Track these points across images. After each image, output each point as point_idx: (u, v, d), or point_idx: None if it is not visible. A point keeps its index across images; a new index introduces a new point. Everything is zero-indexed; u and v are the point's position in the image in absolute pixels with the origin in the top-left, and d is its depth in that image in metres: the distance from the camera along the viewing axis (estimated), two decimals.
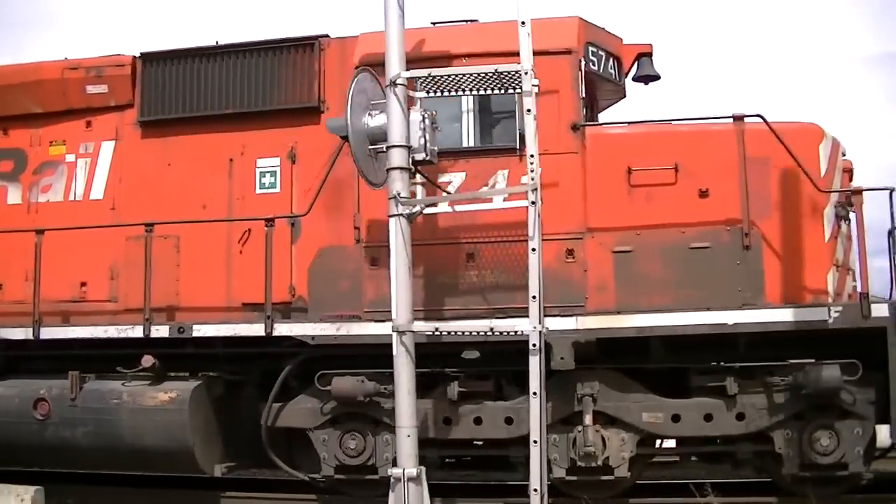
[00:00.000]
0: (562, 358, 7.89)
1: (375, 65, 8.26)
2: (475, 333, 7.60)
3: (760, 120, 8.05)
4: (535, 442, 7.05)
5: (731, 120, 8.19)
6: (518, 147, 8.26)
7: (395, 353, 7.34)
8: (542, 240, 7.51)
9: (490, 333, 7.39)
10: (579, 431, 8.15)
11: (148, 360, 8.88)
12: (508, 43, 7.60)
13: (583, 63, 8.51)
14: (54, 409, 9.00)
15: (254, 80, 9.36)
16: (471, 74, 7.48)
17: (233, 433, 9.24)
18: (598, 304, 8.07)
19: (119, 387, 8.97)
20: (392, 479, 7.22)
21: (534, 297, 7.09)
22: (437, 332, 7.54)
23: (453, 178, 8.45)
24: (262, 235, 8.81)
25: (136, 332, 8.91)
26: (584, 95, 8.45)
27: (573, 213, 8.22)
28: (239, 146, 9.38)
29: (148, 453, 8.82)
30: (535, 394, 7.03)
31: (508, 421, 8.36)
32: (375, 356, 8.31)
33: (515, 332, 7.27)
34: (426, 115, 7.49)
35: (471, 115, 8.50)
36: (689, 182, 8.11)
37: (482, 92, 7.65)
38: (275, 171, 9.29)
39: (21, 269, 9.56)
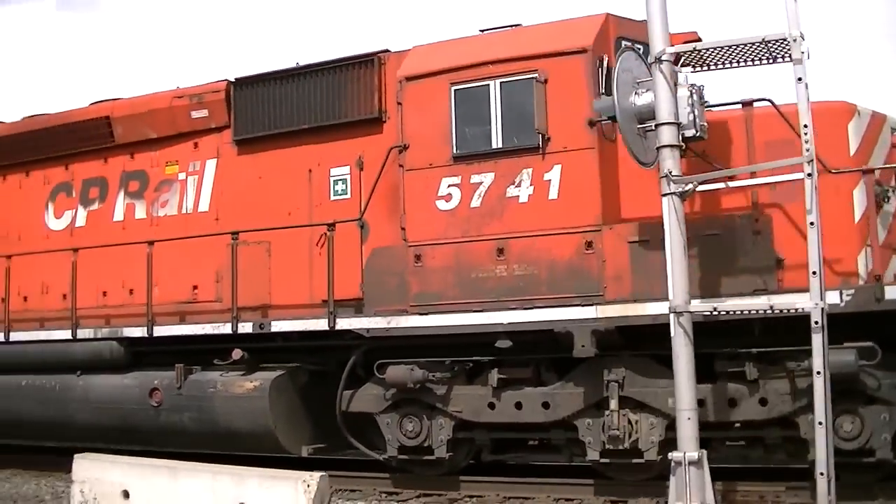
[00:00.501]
0: (583, 346, 8.62)
1: (419, 77, 9.45)
2: (753, 312, 7.91)
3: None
4: (820, 424, 7.14)
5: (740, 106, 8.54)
6: (541, 146, 9.02)
7: (672, 334, 7.53)
8: (562, 233, 8.38)
9: (770, 311, 7.69)
10: (607, 416, 8.83)
11: (237, 354, 10.58)
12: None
13: (604, 59, 9.10)
14: (165, 397, 10.86)
15: (325, 97, 10.83)
16: (737, 46, 7.71)
17: (322, 418, 10.58)
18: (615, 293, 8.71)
19: (216, 377, 10.74)
20: (672, 464, 7.40)
21: (814, 273, 7.27)
22: (715, 312, 7.83)
23: (484, 178, 9.36)
24: (341, 240, 10.15)
25: (226, 328, 10.53)
26: (603, 91, 9.01)
27: (589, 207, 8.86)
28: (316, 157, 10.86)
29: (238, 435, 10.50)
30: (818, 373, 7.16)
31: (545, 406, 9.19)
32: (431, 346, 9.42)
33: (796, 309, 7.45)
34: (693, 91, 7.77)
35: (498, 119, 9.34)
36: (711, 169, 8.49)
37: (748, 64, 7.93)
38: (346, 179, 10.69)
39: (135, 276, 11.47)
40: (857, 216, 8.45)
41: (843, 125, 8.59)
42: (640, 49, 9.65)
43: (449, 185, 9.56)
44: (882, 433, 8.04)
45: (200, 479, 7.79)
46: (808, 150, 7.28)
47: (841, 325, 7.84)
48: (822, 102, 8.81)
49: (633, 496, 9.16)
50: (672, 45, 7.85)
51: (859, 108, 8.77)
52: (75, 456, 8.69)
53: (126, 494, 8.13)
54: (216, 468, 8.11)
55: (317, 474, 7.11)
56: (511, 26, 10.19)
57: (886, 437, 8.04)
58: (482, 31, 10.31)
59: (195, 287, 11.43)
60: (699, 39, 9.99)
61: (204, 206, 11.68)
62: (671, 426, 8.77)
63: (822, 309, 7.25)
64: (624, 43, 9.51)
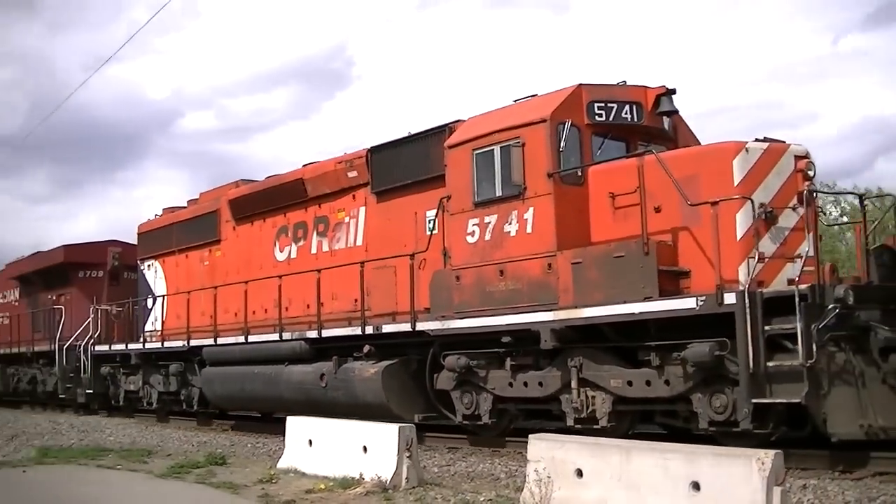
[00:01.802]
0: (545, 340, 11.87)
1: (455, 145, 13.23)
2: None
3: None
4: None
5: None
6: (521, 194, 12.35)
7: None
8: (534, 258, 11.80)
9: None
10: (572, 393, 11.95)
11: (366, 349, 14.84)
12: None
13: (566, 123, 12.17)
14: (329, 380, 15.48)
15: (421, 158, 14.72)
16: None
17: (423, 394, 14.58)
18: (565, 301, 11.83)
19: (356, 365, 15.15)
20: None
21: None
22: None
23: (491, 219, 12.82)
24: (431, 264, 14.08)
25: (357, 330, 14.90)
26: (563, 149, 12.10)
27: (551, 235, 12.02)
28: (418, 204, 14.82)
29: (369, 406, 14.79)
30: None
31: (541, 384, 12.49)
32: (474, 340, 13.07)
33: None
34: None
35: (499, 174, 12.76)
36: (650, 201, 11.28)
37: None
38: (433, 219, 14.45)
39: (328, 293, 16.12)
40: (740, 235, 10.74)
41: (728, 161, 10.89)
42: (612, 107, 12.62)
43: (472, 225, 13.14)
44: (743, 408, 10.32)
45: (652, 458, 7.93)
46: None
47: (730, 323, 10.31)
48: (712, 144, 11.28)
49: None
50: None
51: (748, 145, 10.99)
52: (530, 437, 9.24)
53: (579, 473, 8.46)
54: (668, 447, 8.32)
55: (771, 452, 7.02)
56: (530, 96, 13.45)
57: (746, 412, 10.30)
58: (515, 100, 13.68)
59: (356, 300, 15.88)
60: (668, 92, 12.72)
61: (359, 241, 16.16)
62: (617, 401, 11.69)
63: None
64: (597, 108, 12.53)
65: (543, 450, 8.93)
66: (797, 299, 9.70)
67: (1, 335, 29.48)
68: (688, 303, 10.62)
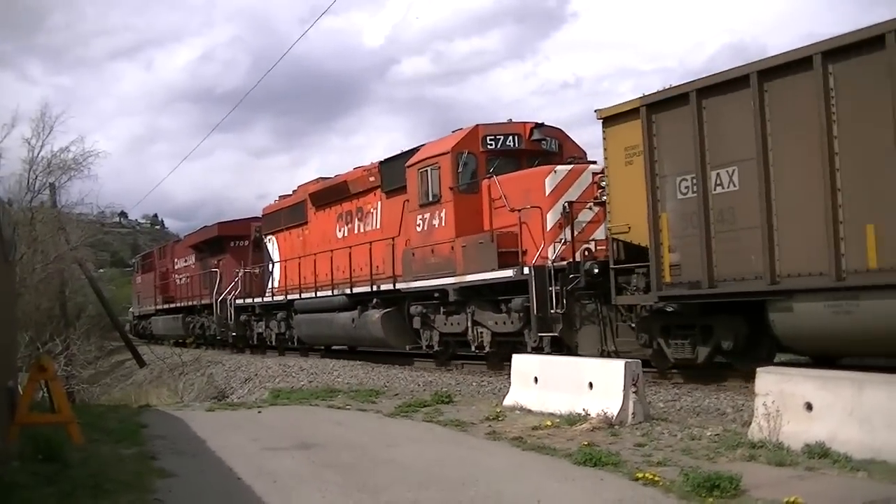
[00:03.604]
0: (451, 297, 18.64)
1: (410, 166, 20.07)
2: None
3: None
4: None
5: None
6: (439, 200, 19.05)
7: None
8: (446, 242, 18.62)
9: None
10: (468, 329, 18.66)
11: (374, 301, 22.02)
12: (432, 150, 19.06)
13: (464, 153, 18.71)
14: (357, 322, 22.77)
15: (399, 171, 21.50)
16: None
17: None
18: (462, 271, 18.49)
19: (369, 312, 22.35)
20: None
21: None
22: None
23: (427, 215, 19.59)
24: (402, 244, 21.09)
25: (368, 288, 22.07)
26: (461, 170, 18.66)
27: (453, 227, 18.68)
28: (399, 202, 21.64)
29: (375, 339, 22.11)
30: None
31: (459, 324, 19.22)
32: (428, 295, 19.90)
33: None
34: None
35: (429, 186, 19.49)
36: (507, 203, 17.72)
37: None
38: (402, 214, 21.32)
39: (359, 262, 23.35)
40: (549, 227, 16.97)
41: (541, 180, 17.14)
42: (500, 138, 19.02)
43: (419, 219, 19.94)
44: (532, 339, 16.63)
45: (886, 391, 7.93)
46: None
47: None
48: (534, 169, 17.53)
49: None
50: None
51: (557, 168, 17.17)
52: (758, 370, 9.31)
53: (809, 406, 8.49)
54: None
55: None
56: (461, 128, 19.94)
57: (535, 341, 16.57)
58: (453, 131, 20.23)
59: (379, 267, 22.92)
60: (539, 125, 18.95)
61: (378, 225, 23.19)
62: (494, 335, 18.26)
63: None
64: (489, 140, 18.94)
65: (771, 383, 8.96)
66: (552, 271, 16.03)
67: (182, 292, 39.02)
68: (508, 273, 17.05)
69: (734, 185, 12.66)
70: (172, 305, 40.64)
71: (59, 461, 9.00)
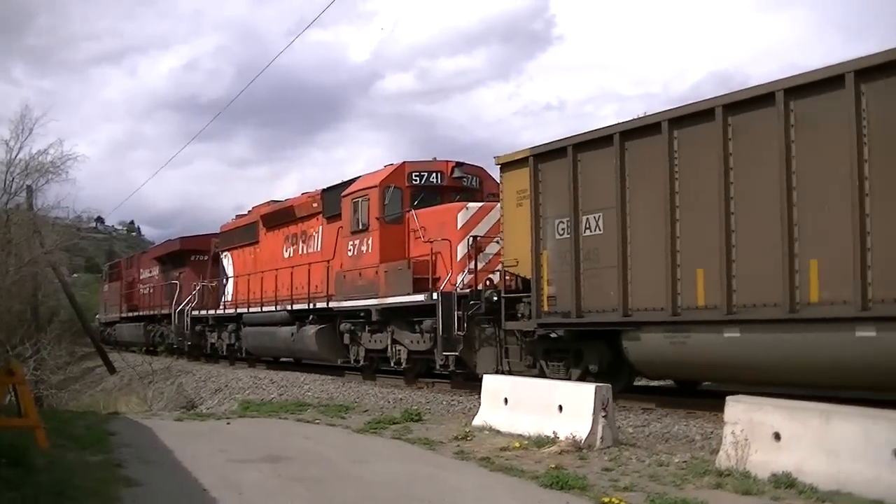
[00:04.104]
0: (374, 316, 20.40)
1: (344, 196, 21.83)
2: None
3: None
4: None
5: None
6: (367, 228, 20.84)
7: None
8: (372, 267, 20.38)
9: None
10: (389, 347, 20.43)
11: (311, 318, 23.74)
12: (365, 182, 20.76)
13: (388, 190, 20.56)
14: (295, 336, 24.49)
15: (336, 200, 23.28)
16: None
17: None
18: (384, 293, 20.28)
19: (307, 327, 24.03)
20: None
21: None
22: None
23: (358, 241, 21.38)
24: (336, 266, 22.86)
25: (306, 305, 23.81)
26: (388, 203, 20.47)
27: (378, 254, 20.48)
28: (334, 228, 23.42)
29: (311, 353, 23.85)
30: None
31: (381, 342, 20.96)
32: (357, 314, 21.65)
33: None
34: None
35: (360, 215, 21.29)
36: (425, 234, 19.51)
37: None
38: (336, 239, 23.13)
39: (300, 281, 25.13)
40: (459, 258, 18.78)
41: (454, 214, 18.96)
42: (424, 174, 20.85)
43: (350, 244, 21.73)
44: (439, 358, 18.39)
45: (853, 423, 7.93)
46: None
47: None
48: (449, 204, 19.35)
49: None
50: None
51: (468, 205, 18.98)
52: (728, 399, 9.35)
53: (777, 436, 8.51)
54: (871, 412, 8.15)
55: None
56: (391, 164, 21.76)
57: (441, 361, 18.34)
58: (385, 165, 22.04)
59: (318, 286, 24.67)
60: (459, 164, 20.77)
61: (318, 248, 24.95)
62: (410, 353, 20.02)
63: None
64: (414, 176, 20.76)
65: (741, 412, 9.01)
66: (458, 297, 17.83)
67: (146, 301, 40.64)
68: (420, 297, 18.82)
69: (599, 230, 14.52)
70: (136, 314, 42.24)
71: (24, 466, 8.99)
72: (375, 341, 21.24)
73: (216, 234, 35.18)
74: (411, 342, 19.81)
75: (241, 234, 30.66)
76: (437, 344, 18.35)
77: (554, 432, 11.18)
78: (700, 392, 15.10)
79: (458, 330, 17.76)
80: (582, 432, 10.90)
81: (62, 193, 53.04)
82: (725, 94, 12.74)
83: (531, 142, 19.37)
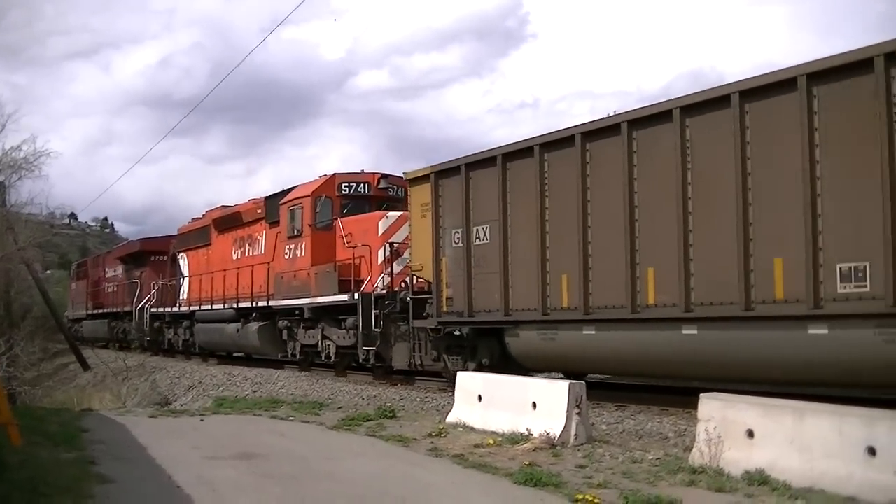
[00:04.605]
0: (306, 315, 22.26)
1: (282, 203, 23.69)
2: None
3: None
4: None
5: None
6: (300, 234, 22.70)
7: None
8: (306, 270, 22.24)
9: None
10: (320, 342, 22.30)
11: (254, 315, 25.58)
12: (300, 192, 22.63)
13: (320, 199, 22.43)
14: (240, 332, 26.31)
15: (276, 207, 25.10)
16: None
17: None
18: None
19: (251, 324, 25.89)
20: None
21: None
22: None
23: (293, 245, 23.24)
24: (276, 267, 24.69)
25: (249, 304, 25.65)
26: (319, 211, 22.33)
27: (310, 258, 22.34)
28: (276, 233, 25.26)
29: (254, 348, 25.75)
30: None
31: (314, 337, 22.82)
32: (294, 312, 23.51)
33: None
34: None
35: (296, 221, 23.14)
36: (350, 240, 21.39)
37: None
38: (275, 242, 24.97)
39: (245, 282, 26.93)
40: (379, 261, 20.65)
41: (376, 222, 20.85)
42: (353, 185, 22.72)
43: (287, 248, 23.58)
44: (360, 354, 20.27)
45: (827, 420, 7.92)
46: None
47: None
48: (370, 213, 21.24)
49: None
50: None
51: (388, 214, 20.85)
52: (701, 396, 9.35)
53: (750, 434, 8.55)
54: (844, 410, 8.18)
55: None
56: (324, 175, 23.59)
57: (362, 355, 20.24)
58: (320, 175, 23.87)
59: (261, 286, 26.49)
60: (384, 175, 22.68)
61: (262, 251, 26.76)
62: (338, 348, 21.90)
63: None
64: (344, 186, 22.63)
65: (714, 409, 9.00)
66: (376, 298, 19.72)
67: (110, 299, 42.31)
68: (344, 297, 20.71)
69: (487, 239, 16.42)
70: (101, 311, 43.88)
71: None
72: (309, 337, 23.11)
73: (175, 235, 36.95)
74: (338, 338, 21.67)
75: (196, 236, 32.42)
76: (359, 339, 20.24)
77: (528, 429, 11.20)
78: (674, 389, 15.75)
79: (376, 327, 19.66)
80: (556, 429, 10.92)
81: (35, 190, 53.74)
82: (583, 124, 14.68)
83: (504, 139, 20.93)
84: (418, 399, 17.67)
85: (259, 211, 26.79)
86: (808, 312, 11.31)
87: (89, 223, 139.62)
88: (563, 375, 16.58)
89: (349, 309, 20.72)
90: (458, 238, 17.07)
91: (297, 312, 23.24)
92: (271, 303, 24.50)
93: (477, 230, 16.66)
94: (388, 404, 15.93)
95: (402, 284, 19.92)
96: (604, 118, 14.60)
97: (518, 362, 16.48)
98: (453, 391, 13.75)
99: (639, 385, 16.90)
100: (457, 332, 17.78)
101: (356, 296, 20.18)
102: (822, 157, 11.27)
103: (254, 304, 25.64)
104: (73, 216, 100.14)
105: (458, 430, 12.35)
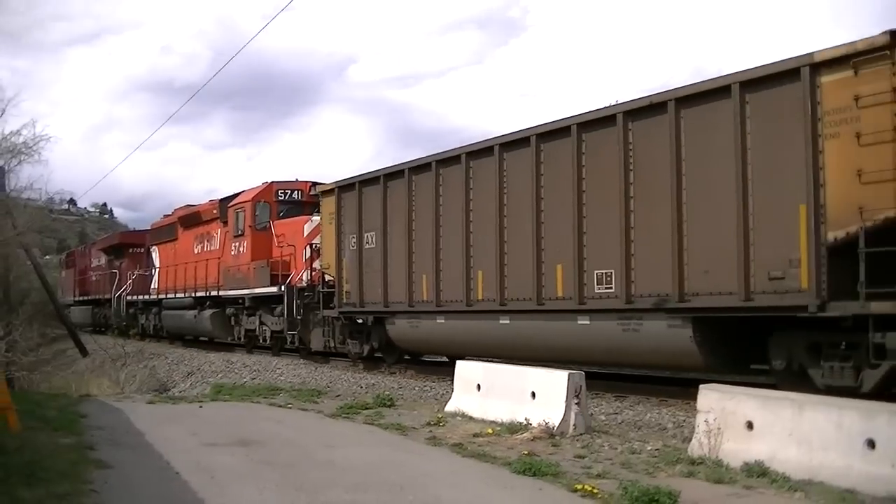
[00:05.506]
0: (247, 303, 26.24)
1: (229, 207, 27.65)
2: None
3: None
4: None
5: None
6: (242, 233, 26.64)
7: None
8: (250, 264, 26.22)
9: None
10: (259, 326, 26.26)
11: (207, 303, 29.54)
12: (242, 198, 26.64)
13: (259, 203, 26.36)
14: (197, 318, 30.27)
15: (226, 209, 28.94)
16: None
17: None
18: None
19: (207, 311, 29.80)
20: None
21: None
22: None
23: (239, 243, 27.18)
24: (225, 261, 28.64)
25: (204, 293, 29.61)
26: (258, 214, 26.23)
27: (250, 254, 26.26)
28: (227, 231, 29.14)
29: (208, 332, 29.83)
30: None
31: (256, 322, 26.76)
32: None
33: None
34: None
35: (240, 222, 27.07)
36: (282, 240, 25.24)
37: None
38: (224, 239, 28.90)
39: (202, 273, 30.80)
40: (304, 259, 24.51)
41: (301, 225, 24.75)
42: (288, 192, 26.63)
43: (233, 245, 27.53)
44: (286, 339, 24.15)
45: (826, 413, 7.92)
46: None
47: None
48: (298, 218, 25.15)
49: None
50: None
51: (313, 218, 24.69)
52: (701, 387, 9.35)
53: (750, 425, 8.54)
54: (843, 402, 8.24)
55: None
56: (264, 182, 27.43)
57: (288, 339, 24.12)
58: (263, 181, 27.73)
59: (214, 278, 30.33)
60: (315, 183, 26.56)
61: (217, 247, 30.63)
62: (272, 333, 25.80)
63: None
64: (280, 193, 26.52)
65: (714, 401, 8.98)
66: (298, 290, 23.61)
67: (94, 287, 46.35)
68: (274, 289, 24.60)
69: (373, 244, 20.29)
70: (86, 298, 47.89)
71: None
72: (250, 323, 27.06)
73: (149, 230, 40.81)
74: (272, 323, 25.59)
75: (166, 231, 36.34)
76: (285, 325, 24.14)
77: (526, 419, 11.21)
78: (673, 380, 16.22)
79: (298, 315, 23.59)
80: (554, 419, 10.93)
81: (34, 175, 53.14)
82: (437, 153, 18.55)
83: (501, 130, 21.22)
84: (417, 388, 17.88)
85: (215, 211, 30.62)
86: (576, 307, 15.13)
87: (88, 209, 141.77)
88: (446, 358, 20.41)
89: (279, 299, 24.58)
90: (354, 242, 20.94)
91: (240, 301, 27.15)
92: (221, 292, 28.43)
93: (367, 236, 20.53)
94: (387, 393, 15.84)
95: (319, 279, 23.83)
96: (449, 150, 18.34)
97: (399, 346, 20.38)
98: (451, 379, 14.06)
99: (638, 375, 17.19)
100: (359, 320, 21.67)
101: (282, 288, 24.08)
102: (587, 192, 15.03)
103: (207, 294, 29.55)
104: (72, 202, 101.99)
105: (456, 419, 12.47)
